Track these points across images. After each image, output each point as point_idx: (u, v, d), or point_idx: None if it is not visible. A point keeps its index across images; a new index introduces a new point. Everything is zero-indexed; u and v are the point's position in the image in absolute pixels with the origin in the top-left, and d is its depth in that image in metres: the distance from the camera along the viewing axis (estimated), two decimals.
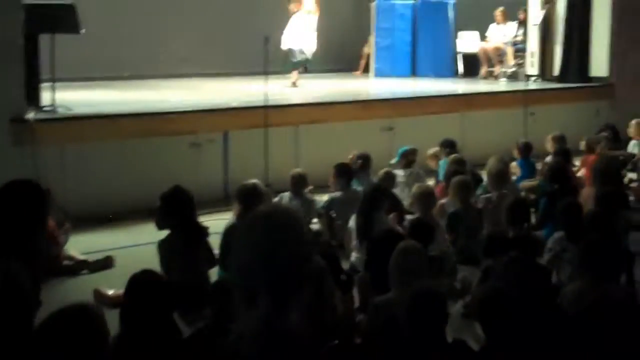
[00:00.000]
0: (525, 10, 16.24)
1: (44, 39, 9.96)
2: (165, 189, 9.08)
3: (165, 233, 6.43)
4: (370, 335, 4.85)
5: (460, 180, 7.45)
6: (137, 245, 8.15)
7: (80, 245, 7.96)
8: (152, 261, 6.23)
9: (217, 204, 9.62)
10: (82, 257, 7.58)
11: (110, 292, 6.36)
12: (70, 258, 7.52)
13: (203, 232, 6.34)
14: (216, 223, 8.19)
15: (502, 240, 6.02)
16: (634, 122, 11.79)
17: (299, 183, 8.25)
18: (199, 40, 16.57)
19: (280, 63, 14.18)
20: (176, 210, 6.19)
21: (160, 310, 4.39)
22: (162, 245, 6.23)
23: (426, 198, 7.09)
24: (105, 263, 7.59)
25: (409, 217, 8.05)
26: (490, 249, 5.95)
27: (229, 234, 6.50)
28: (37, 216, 4.75)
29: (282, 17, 17.00)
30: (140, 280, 4.50)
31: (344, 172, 8.31)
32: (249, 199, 6.87)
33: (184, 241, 6.15)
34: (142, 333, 4.27)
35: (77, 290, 6.97)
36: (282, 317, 2.74)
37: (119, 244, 8.25)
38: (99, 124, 9.58)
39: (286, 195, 8.34)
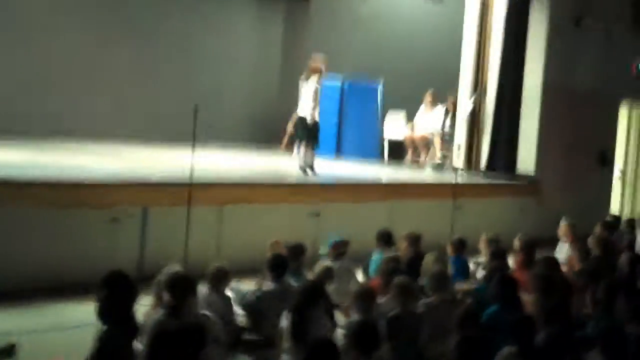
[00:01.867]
0: (454, 100, 16.12)
1: None
2: (79, 265, 8.57)
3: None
4: None
5: (403, 283, 6.97)
6: (46, 331, 7.39)
7: None
8: (59, 349, 5.55)
9: None
10: None
11: None
12: None
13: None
14: None
15: None
16: (562, 223, 11.55)
17: (219, 279, 7.43)
18: (120, 101, 16.03)
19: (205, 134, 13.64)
20: (120, 302, 5.44)
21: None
22: (104, 341, 5.39)
23: (368, 299, 6.59)
24: (9, 351, 6.76)
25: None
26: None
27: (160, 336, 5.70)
28: None
29: (215, 87, 16.71)
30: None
31: (279, 265, 7.71)
32: (183, 291, 6.21)
33: (126, 339, 5.39)
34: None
35: None
36: None
37: (24, 327, 7.42)
38: (8, 192, 8.81)
39: (203, 290, 7.51)
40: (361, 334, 5.80)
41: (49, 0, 15.43)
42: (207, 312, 6.59)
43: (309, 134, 12.95)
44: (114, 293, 5.41)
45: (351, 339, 5.81)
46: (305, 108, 12.94)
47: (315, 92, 12.90)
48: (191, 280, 6.39)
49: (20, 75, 14.30)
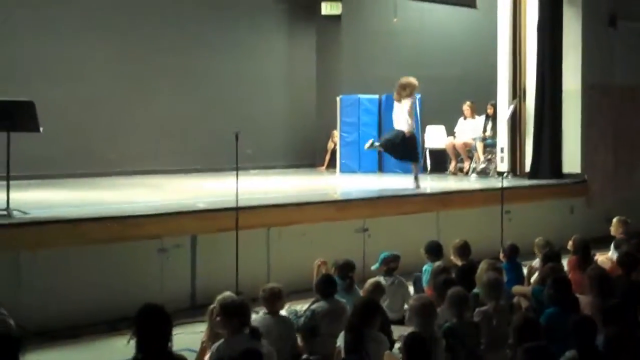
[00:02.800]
0: (494, 105, 16.02)
1: None
2: (130, 299, 8.57)
3: None
4: None
5: (457, 294, 6.88)
6: None
7: None
8: None
9: (183, 315, 8.94)
10: None
11: None
12: None
13: None
14: (184, 337, 7.57)
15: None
16: (615, 220, 11.39)
17: (274, 299, 7.32)
18: (159, 135, 16.19)
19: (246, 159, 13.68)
20: (147, 337, 5.37)
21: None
22: None
23: (427, 311, 6.48)
24: None
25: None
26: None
27: None
28: None
29: (251, 112, 16.78)
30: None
31: (328, 285, 7.65)
32: (242, 314, 6.21)
33: None
34: None
35: None
36: None
37: None
38: (58, 229, 8.86)
39: (258, 316, 7.43)
40: (413, 346, 5.73)
41: (90, 38, 15.59)
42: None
43: (408, 149, 13.33)
44: (149, 326, 5.37)
45: (404, 351, 5.75)
46: (400, 125, 13.21)
47: (410, 109, 13.21)
48: (245, 305, 6.36)
49: (63, 116, 14.46)
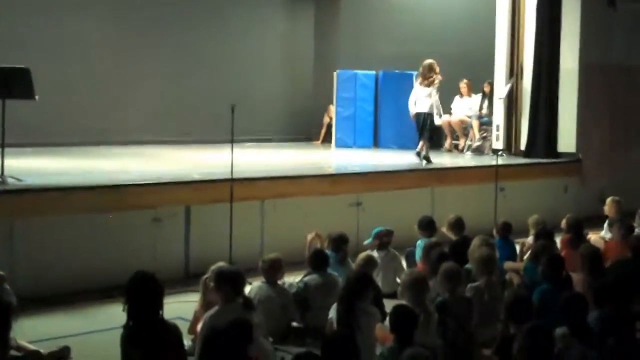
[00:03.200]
0: (491, 83, 15.99)
1: None
2: (123, 267, 8.58)
3: None
4: None
5: (449, 269, 6.91)
6: (94, 332, 7.47)
7: (29, 331, 7.07)
8: (111, 351, 5.58)
9: (177, 284, 8.98)
10: (33, 348, 6.74)
11: None
12: (19, 348, 6.67)
13: (172, 331, 5.51)
14: (177, 306, 7.60)
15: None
16: (609, 200, 11.43)
17: (275, 270, 7.44)
18: (159, 106, 16.17)
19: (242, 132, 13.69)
20: (139, 304, 5.37)
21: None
22: (125, 341, 5.43)
23: (419, 286, 6.51)
24: (61, 354, 6.82)
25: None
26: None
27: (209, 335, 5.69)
28: None
29: (248, 86, 16.73)
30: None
31: (320, 259, 7.70)
32: (236, 284, 6.24)
33: (149, 340, 5.36)
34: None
35: None
36: None
37: (74, 330, 7.51)
38: (52, 197, 8.88)
39: (257, 285, 7.53)
40: (400, 318, 5.78)
41: (88, 12, 15.54)
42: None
43: (428, 128, 13.58)
44: (140, 293, 5.39)
45: (391, 323, 5.80)
46: (426, 107, 13.45)
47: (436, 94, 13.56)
48: (240, 275, 6.38)
49: (60, 86, 14.42)
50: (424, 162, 13.38)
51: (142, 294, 5.39)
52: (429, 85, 13.49)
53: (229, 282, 6.28)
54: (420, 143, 13.60)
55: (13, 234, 8.56)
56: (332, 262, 8.08)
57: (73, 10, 15.32)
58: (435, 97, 13.45)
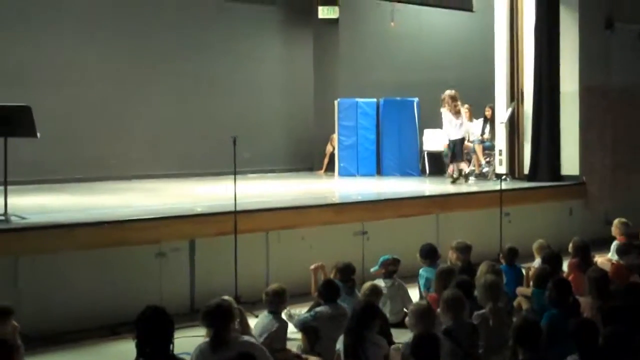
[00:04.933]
0: (492, 107, 16.01)
1: None
2: (128, 303, 8.54)
3: None
4: None
5: (452, 296, 6.85)
6: None
7: None
8: None
9: (182, 319, 8.90)
10: None
11: None
12: None
13: None
14: (182, 341, 7.53)
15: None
16: (616, 221, 11.37)
17: (279, 300, 7.40)
18: (156, 140, 16.20)
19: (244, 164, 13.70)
20: (150, 339, 5.32)
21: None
22: None
23: (428, 316, 6.45)
24: None
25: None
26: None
27: None
28: None
29: (248, 116, 16.74)
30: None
31: (331, 290, 7.64)
32: (216, 321, 6.16)
33: None
34: None
35: None
36: None
37: None
38: (56, 234, 8.85)
39: (264, 315, 7.52)
40: (420, 348, 5.71)
41: (86, 45, 15.63)
42: (251, 339, 6.53)
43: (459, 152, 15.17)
44: (150, 328, 5.34)
45: (412, 353, 5.72)
46: (459, 134, 15.10)
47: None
48: (227, 308, 6.29)
49: (61, 121, 14.47)
50: (463, 180, 14.79)
51: (153, 329, 5.33)
52: (457, 113, 14.76)
53: (216, 315, 6.19)
54: (452, 166, 14.99)
55: (17, 272, 8.50)
56: (341, 292, 8.02)
57: (73, 44, 15.45)
58: (466, 124, 15.28)
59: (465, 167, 15.32)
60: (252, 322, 7.68)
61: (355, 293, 8.27)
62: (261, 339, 7.03)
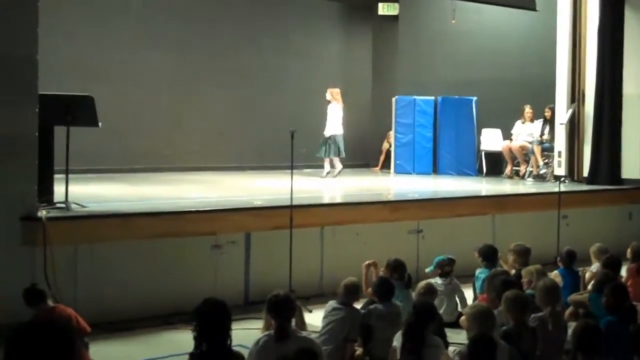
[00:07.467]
0: (552, 109, 15.80)
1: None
2: (183, 294, 8.62)
3: None
4: None
5: (516, 296, 6.76)
6: (155, 359, 7.45)
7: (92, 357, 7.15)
8: None
9: (236, 311, 8.93)
10: None
11: None
12: None
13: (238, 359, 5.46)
14: (237, 333, 7.54)
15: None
16: None
17: (352, 293, 7.41)
18: (218, 132, 16.33)
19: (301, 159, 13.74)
20: (209, 330, 5.34)
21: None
22: None
23: (486, 319, 6.37)
24: None
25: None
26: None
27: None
28: None
29: (306, 111, 16.77)
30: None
31: (387, 288, 7.60)
32: (282, 312, 6.17)
33: None
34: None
35: None
36: None
37: (135, 357, 7.52)
38: (114, 224, 8.94)
39: (332, 304, 7.49)
40: (480, 348, 5.65)
41: (147, 43, 15.81)
42: (310, 334, 6.53)
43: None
44: (210, 320, 5.35)
45: (470, 354, 5.67)
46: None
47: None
48: (292, 300, 6.32)
49: (122, 113, 14.64)
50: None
51: (212, 321, 5.35)
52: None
53: (281, 307, 6.20)
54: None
55: (76, 260, 8.62)
56: (397, 285, 7.98)
57: (133, 43, 15.63)
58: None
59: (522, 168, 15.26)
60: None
61: (409, 291, 8.23)
62: (337, 330, 7.03)
